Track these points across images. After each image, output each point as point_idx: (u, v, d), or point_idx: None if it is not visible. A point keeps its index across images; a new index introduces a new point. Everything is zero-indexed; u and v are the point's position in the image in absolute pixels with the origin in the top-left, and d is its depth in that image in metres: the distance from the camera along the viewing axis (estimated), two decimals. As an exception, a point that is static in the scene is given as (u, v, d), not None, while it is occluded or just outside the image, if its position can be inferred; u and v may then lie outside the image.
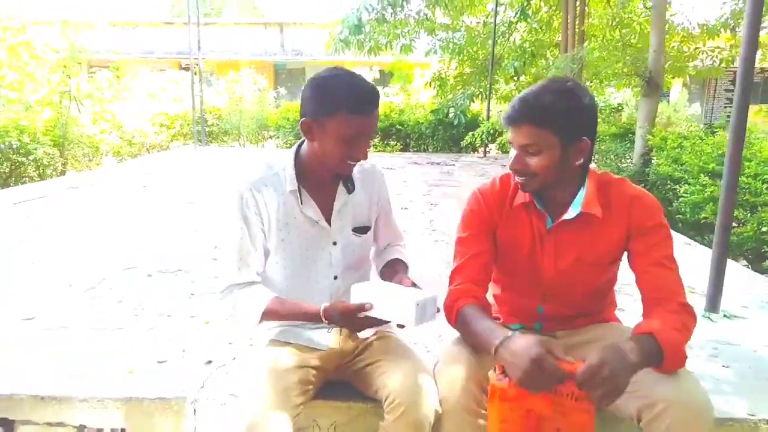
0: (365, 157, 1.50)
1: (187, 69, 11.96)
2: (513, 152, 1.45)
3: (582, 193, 1.48)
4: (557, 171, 1.42)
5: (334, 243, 1.62)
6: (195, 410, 1.75)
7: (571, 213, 1.48)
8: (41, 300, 2.63)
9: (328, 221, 1.60)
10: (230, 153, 10.11)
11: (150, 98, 12.11)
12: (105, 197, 5.49)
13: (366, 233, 1.68)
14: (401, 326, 1.42)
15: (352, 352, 1.65)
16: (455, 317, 1.52)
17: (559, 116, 1.37)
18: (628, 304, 2.30)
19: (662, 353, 1.28)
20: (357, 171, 1.64)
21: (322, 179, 1.58)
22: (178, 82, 12.82)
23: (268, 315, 1.53)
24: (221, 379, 1.88)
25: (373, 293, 1.42)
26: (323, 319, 1.47)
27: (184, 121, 11.76)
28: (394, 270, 1.68)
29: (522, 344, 1.24)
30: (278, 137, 12.19)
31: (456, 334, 1.57)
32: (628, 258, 1.51)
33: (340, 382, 1.68)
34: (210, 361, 2.01)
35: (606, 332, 1.59)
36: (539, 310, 1.62)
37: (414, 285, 1.49)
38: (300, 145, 1.60)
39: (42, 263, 3.25)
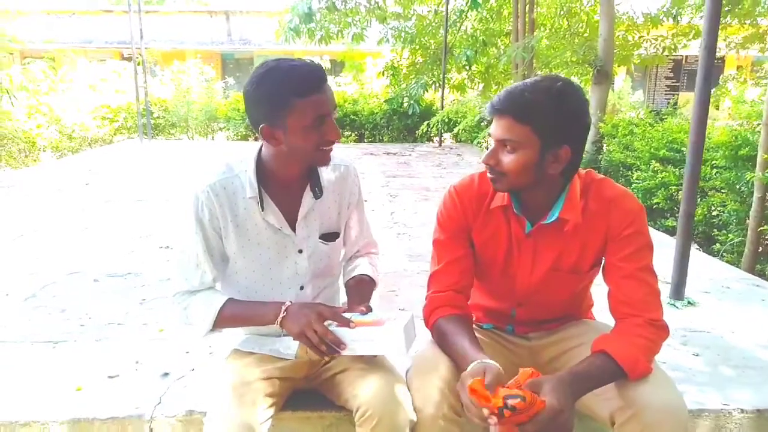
0: (338, 137, 1.39)
1: (129, 59, 11.40)
2: (491, 145, 1.37)
3: (563, 198, 1.40)
4: (529, 175, 1.34)
5: (300, 251, 1.51)
6: (151, 429, 1.62)
7: (550, 218, 1.41)
8: (-26, 312, 2.41)
9: (293, 228, 1.49)
10: (179, 146, 9.73)
11: (90, 90, 11.53)
12: (44, 196, 5.16)
13: (335, 240, 1.57)
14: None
15: (320, 360, 1.55)
16: (432, 326, 1.47)
17: (541, 114, 1.28)
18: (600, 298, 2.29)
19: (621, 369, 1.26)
20: (329, 173, 1.53)
21: (287, 183, 1.46)
22: (120, 72, 12.22)
23: (223, 319, 1.43)
24: (180, 394, 1.75)
25: (348, 332, 1.34)
26: (280, 321, 1.37)
27: (128, 113, 11.23)
28: (357, 292, 1.57)
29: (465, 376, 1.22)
30: (228, 129, 11.83)
31: (429, 337, 1.50)
32: (603, 265, 1.46)
33: (309, 390, 1.58)
34: (167, 374, 1.88)
35: (580, 330, 1.56)
36: (512, 314, 1.58)
37: (370, 310, 1.42)
38: (261, 147, 1.48)
39: (-25, 271, 3.00)
